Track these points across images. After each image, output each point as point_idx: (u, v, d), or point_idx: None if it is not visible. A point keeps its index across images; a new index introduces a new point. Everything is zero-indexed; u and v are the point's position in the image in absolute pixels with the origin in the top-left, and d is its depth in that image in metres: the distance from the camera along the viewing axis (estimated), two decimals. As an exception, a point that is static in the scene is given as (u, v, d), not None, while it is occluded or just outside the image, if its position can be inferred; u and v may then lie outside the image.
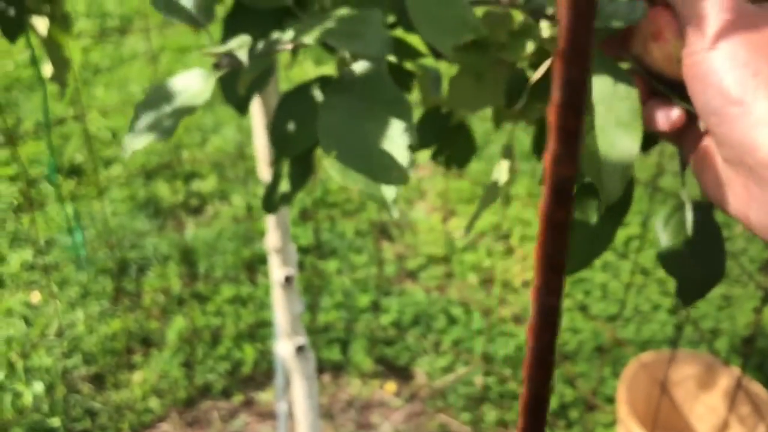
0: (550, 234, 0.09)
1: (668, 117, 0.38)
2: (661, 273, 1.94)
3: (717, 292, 1.90)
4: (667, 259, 0.43)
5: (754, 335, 1.77)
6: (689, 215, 0.44)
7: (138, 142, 0.38)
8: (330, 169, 0.38)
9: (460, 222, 2.12)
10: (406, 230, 2.09)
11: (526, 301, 1.85)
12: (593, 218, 0.43)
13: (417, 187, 2.25)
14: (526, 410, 0.09)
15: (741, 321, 1.82)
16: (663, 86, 0.39)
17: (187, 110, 0.38)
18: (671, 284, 1.90)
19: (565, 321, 1.79)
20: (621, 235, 2.04)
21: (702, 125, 0.38)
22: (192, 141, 2.37)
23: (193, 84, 0.40)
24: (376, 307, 1.80)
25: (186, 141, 2.36)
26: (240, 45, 0.40)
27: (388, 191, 0.38)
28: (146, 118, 0.39)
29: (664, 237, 0.44)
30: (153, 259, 1.91)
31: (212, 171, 2.24)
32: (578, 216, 0.44)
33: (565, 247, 0.09)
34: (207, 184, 2.19)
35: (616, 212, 0.43)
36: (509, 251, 2.03)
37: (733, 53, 0.33)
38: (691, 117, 0.39)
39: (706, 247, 0.43)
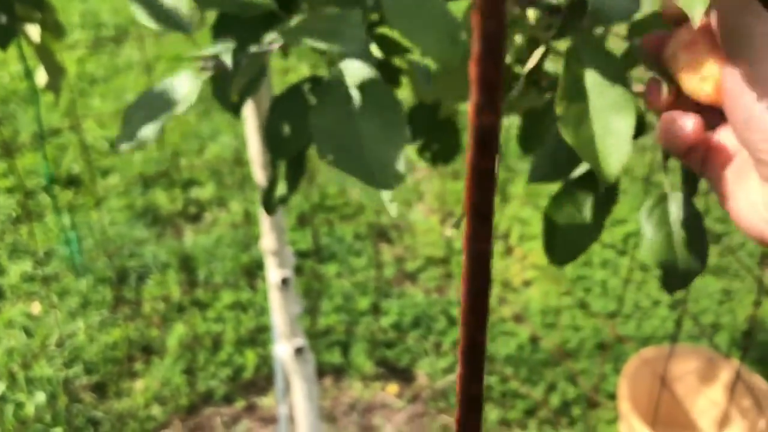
0: (477, 183, 0.09)
1: (683, 126, 0.36)
2: (660, 269, 1.95)
3: (716, 287, 1.91)
4: (651, 250, 0.44)
5: (753, 328, 1.78)
6: (673, 207, 0.44)
7: (129, 144, 0.39)
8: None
9: (458, 223, 2.12)
10: (405, 232, 2.10)
11: (526, 300, 1.85)
12: (585, 214, 0.44)
13: (414, 189, 2.25)
14: (463, 355, 0.09)
15: (741, 315, 1.82)
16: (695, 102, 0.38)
17: (176, 112, 0.39)
18: (670, 280, 1.91)
19: (566, 319, 1.79)
20: (619, 232, 2.04)
21: (736, 143, 0.37)
22: (189, 149, 2.37)
23: (181, 87, 0.40)
24: (376, 310, 1.80)
25: (183, 149, 2.37)
26: (226, 49, 0.41)
27: (386, 191, 0.39)
28: (136, 121, 0.39)
29: (648, 228, 0.44)
30: (152, 267, 1.91)
31: (210, 178, 2.24)
32: (566, 210, 0.44)
33: (492, 195, 0.09)
34: (205, 192, 2.19)
35: (605, 204, 0.44)
36: (508, 251, 2.03)
37: None
38: (707, 132, 0.38)
39: (690, 238, 0.43)
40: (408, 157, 2.36)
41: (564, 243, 0.44)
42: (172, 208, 2.12)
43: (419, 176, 2.31)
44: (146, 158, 2.31)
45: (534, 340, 1.73)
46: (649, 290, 1.88)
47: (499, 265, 1.97)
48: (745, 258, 2.01)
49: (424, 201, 2.22)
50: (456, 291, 1.89)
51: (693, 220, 0.44)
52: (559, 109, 0.39)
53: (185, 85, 0.39)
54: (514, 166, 2.29)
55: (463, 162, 2.30)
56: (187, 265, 1.92)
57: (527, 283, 1.92)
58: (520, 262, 1.98)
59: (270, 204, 0.53)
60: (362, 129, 0.39)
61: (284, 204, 0.53)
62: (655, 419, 1.47)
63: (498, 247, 2.04)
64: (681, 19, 0.38)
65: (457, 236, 2.07)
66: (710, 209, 2.13)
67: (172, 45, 2.98)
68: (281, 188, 0.53)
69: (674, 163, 0.52)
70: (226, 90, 0.52)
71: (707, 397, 1.52)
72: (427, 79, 0.59)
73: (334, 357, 1.69)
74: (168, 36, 3.02)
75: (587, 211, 0.43)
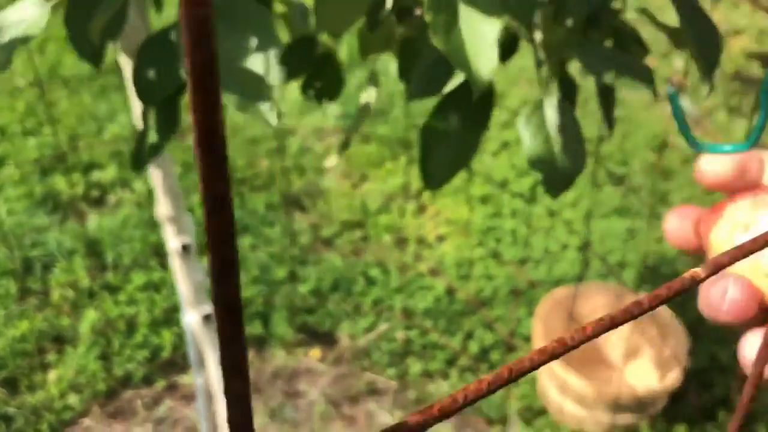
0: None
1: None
2: (567, 215, 2.01)
3: (622, 226, 1.98)
4: (530, 154, 0.44)
5: (645, 261, 1.86)
6: (549, 113, 0.45)
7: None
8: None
9: (372, 186, 2.13)
10: (318, 199, 2.09)
11: (440, 254, 1.88)
12: (460, 130, 0.44)
13: (325, 155, 2.24)
14: (200, 149, 0.09)
15: (645, 251, 1.90)
16: None
17: (22, 41, 0.36)
18: (577, 224, 1.97)
19: (479, 269, 1.82)
20: (526, 182, 2.09)
21: None
22: (87, 131, 2.28)
23: (27, 15, 0.38)
24: (293, 278, 1.79)
25: (81, 131, 2.27)
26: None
27: (263, 103, 0.38)
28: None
29: (526, 134, 0.45)
30: (57, 255, 1.83)
31: (111, 159, 2.17)
32: (442, 127, 0.44)
33: (208, 12, 0.09)
34: (107, 174, 2.11)
35: (478, 120, 0.44)
36: (421, 209, 2.05)
37: None
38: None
39: (566, 142, 0.44)
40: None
41: (439, 162, 0.44)
42: (73, 192, 2.04)
43: (331, 142, 2.29)
44: (41, 143, 2.21)
45: (450, 292, 1.76)
46: (558, 235, 1.93)
47: (413, 224, 1.99)
48: (646, 197, 2.10)
49: (336, 166, 2.21)
50: (372, 252, 1.90)
51: (569, 125, 0.45)
52: (428, 17, 0.39)
53: (32, 14, 0.37)
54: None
55: (373, 126, 2.30)
56: (93, 249, 1.85)
57: (441, 239, 1.95)
58: (433, 219, 2.01)
59: (140, 156, 0.52)
60: (227, 46, 0.38)
61: (156, 155, 0.52)
62: (570, 357, 1.53)
63: (411, 205, 2.05)
64: (725, 186, 0.30)
65: (372, 198, 2.08)
66: (610, 152, 2.21)
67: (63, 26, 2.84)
68: (152, 137, 0.51)
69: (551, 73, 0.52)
70: (85, 35, 0.50)
71: (617, 331, 1.59)
72: (304, 17, 0.58)
73: (255, 328, 1.68)
74: (58, 17, 2.88)
75: (462, 128, 0.44)
